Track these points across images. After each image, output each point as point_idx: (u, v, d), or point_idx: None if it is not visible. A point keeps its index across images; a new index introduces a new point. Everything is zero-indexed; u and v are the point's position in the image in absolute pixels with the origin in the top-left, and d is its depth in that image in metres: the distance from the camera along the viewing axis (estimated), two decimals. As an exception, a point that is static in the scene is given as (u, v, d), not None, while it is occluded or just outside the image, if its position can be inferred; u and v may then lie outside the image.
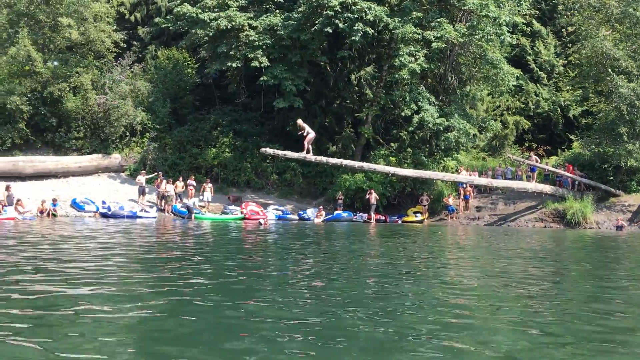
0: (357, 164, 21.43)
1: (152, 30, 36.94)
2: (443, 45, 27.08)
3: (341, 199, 28.31)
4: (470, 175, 28.08)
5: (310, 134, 19.26)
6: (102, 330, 4.44)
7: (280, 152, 19.73)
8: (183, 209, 25.42)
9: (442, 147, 30.74)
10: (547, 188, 26.67)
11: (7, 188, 21.34)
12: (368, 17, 26.34)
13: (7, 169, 24.41)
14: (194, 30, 28.52)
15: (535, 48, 38.25)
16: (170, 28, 30.40)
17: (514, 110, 37.41)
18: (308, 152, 19.18)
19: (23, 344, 3.93)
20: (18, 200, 20.77)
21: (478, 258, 11.28)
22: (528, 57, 37.79)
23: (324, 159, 20.44)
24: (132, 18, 37.65)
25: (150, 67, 33.11)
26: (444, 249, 13.86)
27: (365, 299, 6.14)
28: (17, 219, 19.58)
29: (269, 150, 19.66)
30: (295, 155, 19.40)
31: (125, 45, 31.18)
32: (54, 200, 22.64)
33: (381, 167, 22.44)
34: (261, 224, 19.69)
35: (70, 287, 6.21)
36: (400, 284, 7.33)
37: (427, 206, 28.32)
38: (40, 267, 7.71)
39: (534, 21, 38.44)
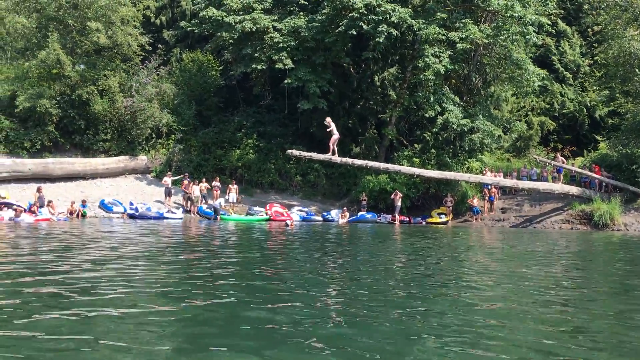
0: (382, 165, 21.43)
1: (176, 33, 37.37)
2: (468, 46, 26.94)
3: (365, 200, 28.32)
4: (495, 176, 27.92)
5: (335, 135, 19.32)
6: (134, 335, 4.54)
7: (305, 154, 19.83)
8: (209, 210, 25.68)
9: (466, 148, 30.59)
10: (573, 189, 26.39)
11: (39, 189, 21.77)
12: (392, 19, 26.34)
13: (38, 171, 24.87)
14: (219, 34, 28.79)
15: (560, 48, 37.95)
16: (196, 31, 30.74)
17: (538, 111, 37.12)
18: (333, 153, 19.26)
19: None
20: (49, 202, 21.16)
21: (514, 262, 11.24)
22: (553, 57, 37.50)
23: (349, 160, 20.49)
24: (157, 21, 38.12)
25: (176, 69, 33.47)
26: (477, 251, 13.81)
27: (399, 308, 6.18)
28: (52, 220, 20.00)
29: (295, 152, 19.78)
30: (321, 157, 19.48)
31: (150, 49, 31.56)
32: (83, 201, 23.03)
33: (406, 169, 22.42)
34: (288, 225, 19.82)
35: (110, 286, 6.37)
36: (430, 289, 7.36)
37: (451, 207, 28.22)
38: (74, 268, 7.89)
39: (559, 21, 38.13)
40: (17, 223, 18.32)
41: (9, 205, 20.24)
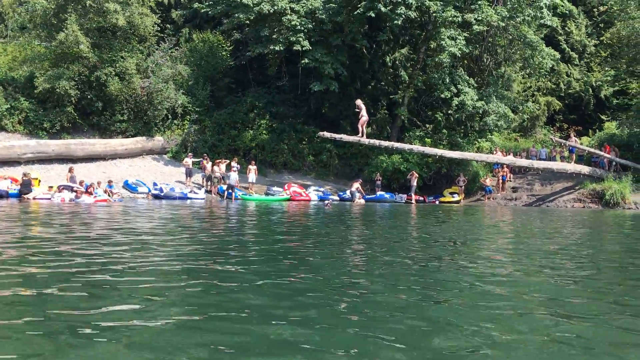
0: (407, 146, 22.01)
1: (185, 13, 37.27)
2: (484, 28, 27.30)
3: (380, 179, 28.79)
4: (506, 156, 28.54)
5: (364, 117, 19.79)
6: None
7: (336, 136, 20.35)
8: (229, 190, 26.05)
9: (477, 129, 31.12)
10: (585, 169, 27.11)
11: (70, 170, 22.10)
12: (410, 1, 26.55)
13: (60, 152, 25.12)
14: (236, 14, 28.84)
15: (566, 28, 38.35)
16: (210, 13, 30.72)
17: (544, 91, 37.68)
18: (362, 135, 19.70)
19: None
20: (92, 184, 21.45)
21: (540, 240, 11.72)
22: (559, 37, 37.94)
23: (376, 142, 21.00)
24: (165, 1, 37.88)
25: (186, 50, 33.49)
26: (507, 230, 14.29)
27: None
28: (109, 200, 20.41)
29: (326, 134, 20.26)
30: (351, 138, 19.98)
31: (159, 28, 31.49)
32: (110, 181, 23.28)
33: (430, 150, 22.97)
34: (326, 205, 20.19)
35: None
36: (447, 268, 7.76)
37: (463, 187, 28.85)
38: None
39: (565, 1, 38.45)
40: (78, 204, 18.62)
41: (67, 187, 20.60)
